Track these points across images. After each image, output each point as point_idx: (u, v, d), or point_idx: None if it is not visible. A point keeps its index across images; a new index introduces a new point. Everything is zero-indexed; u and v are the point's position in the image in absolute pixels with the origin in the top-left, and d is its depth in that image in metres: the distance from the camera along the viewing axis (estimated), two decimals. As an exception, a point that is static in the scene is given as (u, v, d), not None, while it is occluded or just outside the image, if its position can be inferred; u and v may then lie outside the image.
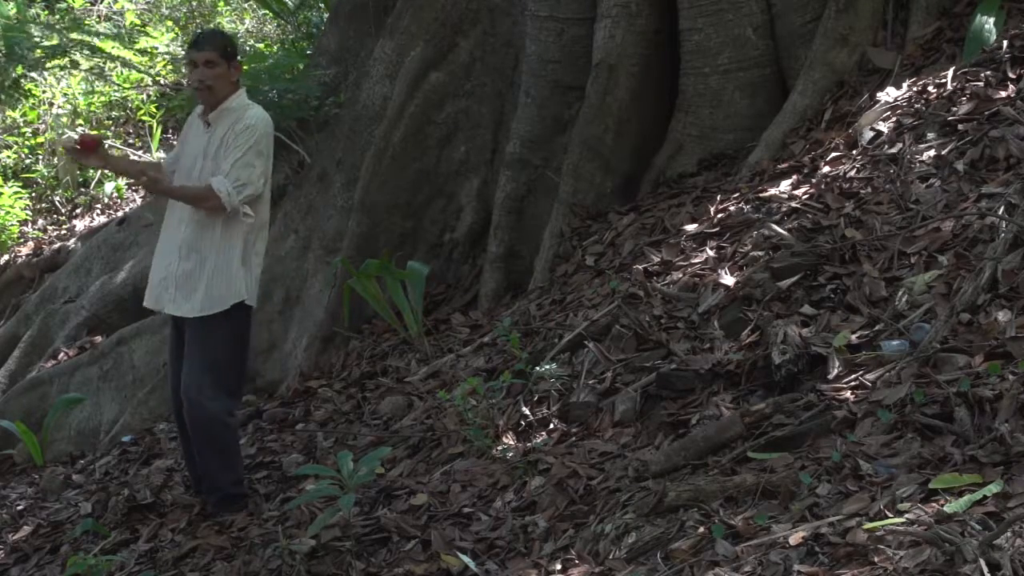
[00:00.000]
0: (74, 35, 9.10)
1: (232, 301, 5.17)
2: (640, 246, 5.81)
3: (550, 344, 5.42)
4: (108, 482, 6.17)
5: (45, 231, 10.66)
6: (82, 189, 11.14)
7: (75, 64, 10.24)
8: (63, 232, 10.47)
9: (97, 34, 10.02)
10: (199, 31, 5.19)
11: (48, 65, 9.46)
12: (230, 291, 5.17)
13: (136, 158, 9.91)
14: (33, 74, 10.09)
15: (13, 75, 9.07)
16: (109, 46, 10.14)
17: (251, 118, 5.17)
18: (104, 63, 10.26)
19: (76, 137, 5.34)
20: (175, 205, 5.30)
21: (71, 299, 8.18)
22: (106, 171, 5.76)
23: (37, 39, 8.69)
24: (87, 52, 9.32)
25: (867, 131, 5.58)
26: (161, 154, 9.82)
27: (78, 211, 10.93)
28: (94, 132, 5.38)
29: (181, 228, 5.22)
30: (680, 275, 5.35)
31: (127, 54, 10.54)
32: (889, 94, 5.74)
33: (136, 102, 11.30)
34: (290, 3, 10.11)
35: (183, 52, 11.09)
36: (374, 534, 4.63)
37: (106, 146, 5.43)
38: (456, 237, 7.10)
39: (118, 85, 11.02)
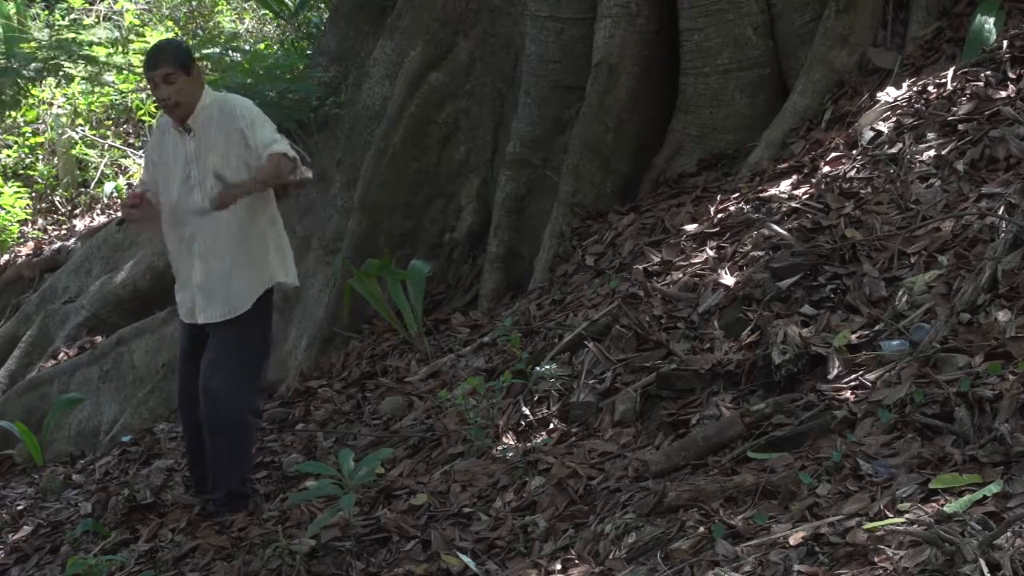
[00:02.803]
0: (70, 37, 9.11)
1: (264, 288, 5.19)
2: (640, 246, 5.81)
3: (550, 344, 5.42)
4: (108, 482, 6.17)
5: (45, 231, 10.66)
6: (82, 189, 11.15)
7: (70, 78, 10.27)
8: (63, 232, 10.48)
9: (91, 43, 10.03)
10: (152, 49, 5.12)
11: (45, 79, 9.48)
12: (264, 282, 5.20)
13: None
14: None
15: (13, 81, 9.09)
16: (104, 52, 10.14)
17: (241, 104, 5.18)
18: (100, 71, 10.27)
19: (131, 197, 5.36)
20: (177, 214, 5.21)
21: (71, 299, 8.18)
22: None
23: (35, 49, 8.71)
24: (82, 63, 9.32)
25: (867, 131, 5.58)
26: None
27: (78, 211, 10.93)
28: (133, 207, 5.36)
29: (195, 236, 5.16)
30: (680, 275, 5.35)
31: (130, 56, 10.54)
32: (889, 94, 5.74)
33: (136, 102, 11.31)
34: (290, 3, 10.10)
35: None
36: (374, 534, 4.63)
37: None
38: (456, 237, 7.10)
39: (117, 87, 11.02)
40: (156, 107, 10.80)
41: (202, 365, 5.15)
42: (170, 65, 5.09)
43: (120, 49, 10.70)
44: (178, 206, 5.21)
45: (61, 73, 9.43)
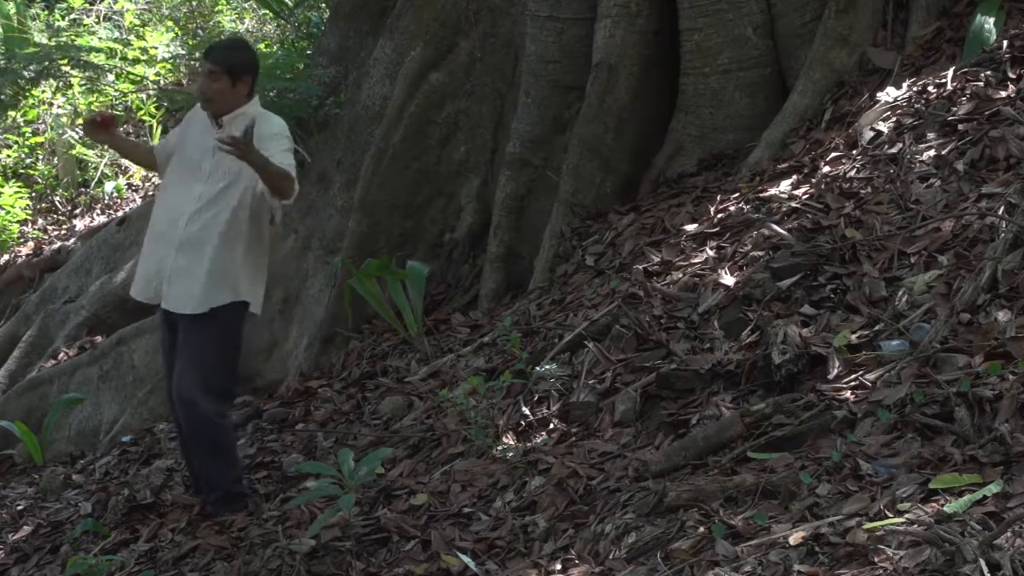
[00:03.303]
0: (70, 37, 9.11)
1: (230, 299, 5.16)
2: (640, 246, 5.81)
3: (550, 344, 5.42)
4: (108, 482, 6.17)
5: (45, 231, 10.66)
6: (82, 189, 11.14)
7: (68, 84, 10.27)
8: (63, 232, 10.47)
9: (91, 49, 10.02)
10: (217, 41, 5.18)
11: (42, 84, 9.47)
12: (229, 289, 5.16)
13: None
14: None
15: (15, 83, 9.08)
16: (102, 58, 10.13)
17: (277, 119, 5.20)
18: (98, 76, 10.27)
19: (96, 112, 5.35)
20: (173, 198, 5.25)
21: (71, 299, 8.18)
22: (113, 150, 5.75)
23: (35, 53, 8.71)
24: (80, 68, 9.32)
25: (867, 131, 5.58)
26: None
27: (78, 211, 10.93)
28: (111, 113, 5.39)
29: (180, 223, 5.18)
30: (680, 275, 5.35)
31: (132, 54, 10.54)
32: (889, 94, 5.75)
33: (136, 102, 11.31)
34: (290, 3, 10.10)
35: (183, 51, 11.11)
36: (374, 534, 4.63)
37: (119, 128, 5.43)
38: (456, 237, 7.10)
39: (116, 87, 11.02)
40: (157, 108, 10.82)
41: (174, 375, 5.19)
42: (218, 64, 5.13)
43: (120, 52, 10.69)
44: (179, 190, 5.25)
45: (60, 80, 9.45)
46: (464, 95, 7.13)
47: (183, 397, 5.14)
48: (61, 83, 10.62)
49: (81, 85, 10.59)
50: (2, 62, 8.68)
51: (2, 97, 9.03)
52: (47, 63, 8.45)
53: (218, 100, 5.14)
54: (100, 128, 5.29)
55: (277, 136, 5.14)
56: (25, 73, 8.50)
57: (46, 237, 10.42)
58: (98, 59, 10.10)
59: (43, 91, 11.22)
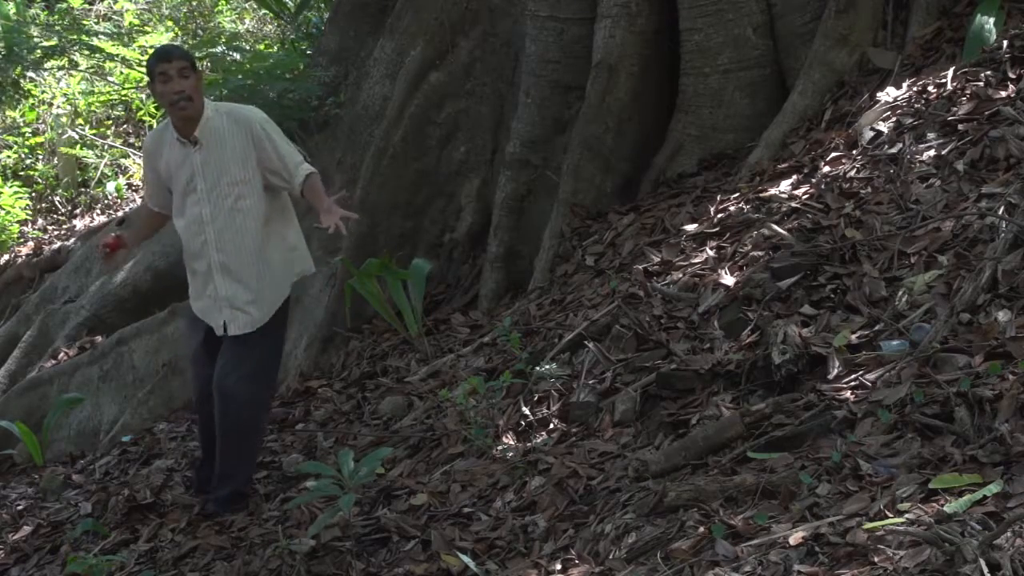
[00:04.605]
0: (72, 36, 9.11)
1: (283, 299, 5.24)
2: (640, 246, 5.81)
3: (550, 344, 5.42)
4: (108, 482, 6.17)
5: (45, 231, 10.67)
6: (82, 189, 11.15)
7: (74, 64, 10.27)
8: (63, 232, 10.48)
9: (96, 34, 10.04)
10: (162, 46, 5.18)
11: (47, 65, 9.47)
12: (281, 292, 5.22)
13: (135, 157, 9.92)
14: (32, 74, 10.11)
15: (12, 76, 9.08)
16: (108, 45, 10.15)
17: (254, 111, 5.21)
18: (103, 61, 10.27)
19: (102, 245, 5.37)
20: (188, 229, 5.18)
21: (71, 299, 8.18)
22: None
23: (36, 39, 8.71)
24: (86, 51, 9.31)
25: (867, 131, 5.58)
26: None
27: (78, 211, 10.93)
28: (113, 236, 5.42)
29: (209, 251, 5.13)
30: (680, 275, 5.35)
31: (127, 53, 10.55)
32: (889, 94, 5.75)
33: (136, 102, 11.31)
34: (290, 3, 10.11)
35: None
36: (374, 534, 4.63)
37: (123, 235, 5.47)
38: (456, 237, 7.11)
39: (118, 84, 11.03)
40: (157, 108, 10.81)
41: (217, 364, 5.15)
42: (185, 60, 5.10)
43: (124, 41, 10.70)
44: (187, 222, 5.19)
45: (65, 60, 9.43)
46: (464, 95, 7.13)
47: (226, 386, 5.10)
48: (66, 70, 10.61)
49: (86, 71, 10.57)
50: (2, 61, 8.68)
51: (6, 89, 9.03)
52: (56, 41, 8.43)
53: (197, 97, 5.08)
54: (116, 252, 5.32)
55: (276, 132, 5.16)
56: (26, 62, 8.49)
57: (46, 237, 10.43)
58: (104, 45, 10.10)
59: (43, 91, 11.23)
